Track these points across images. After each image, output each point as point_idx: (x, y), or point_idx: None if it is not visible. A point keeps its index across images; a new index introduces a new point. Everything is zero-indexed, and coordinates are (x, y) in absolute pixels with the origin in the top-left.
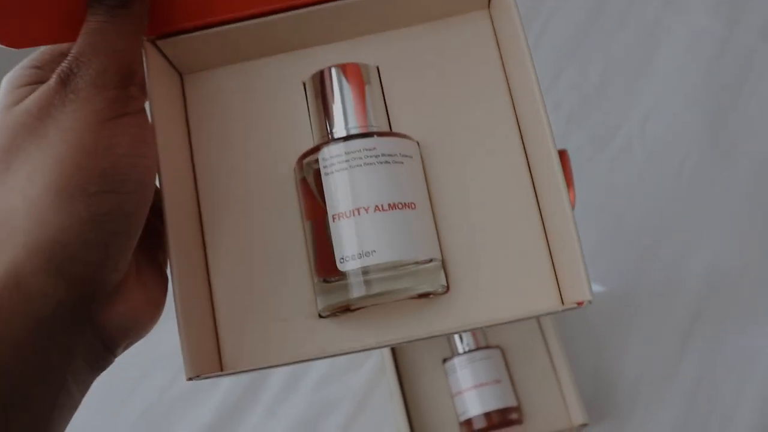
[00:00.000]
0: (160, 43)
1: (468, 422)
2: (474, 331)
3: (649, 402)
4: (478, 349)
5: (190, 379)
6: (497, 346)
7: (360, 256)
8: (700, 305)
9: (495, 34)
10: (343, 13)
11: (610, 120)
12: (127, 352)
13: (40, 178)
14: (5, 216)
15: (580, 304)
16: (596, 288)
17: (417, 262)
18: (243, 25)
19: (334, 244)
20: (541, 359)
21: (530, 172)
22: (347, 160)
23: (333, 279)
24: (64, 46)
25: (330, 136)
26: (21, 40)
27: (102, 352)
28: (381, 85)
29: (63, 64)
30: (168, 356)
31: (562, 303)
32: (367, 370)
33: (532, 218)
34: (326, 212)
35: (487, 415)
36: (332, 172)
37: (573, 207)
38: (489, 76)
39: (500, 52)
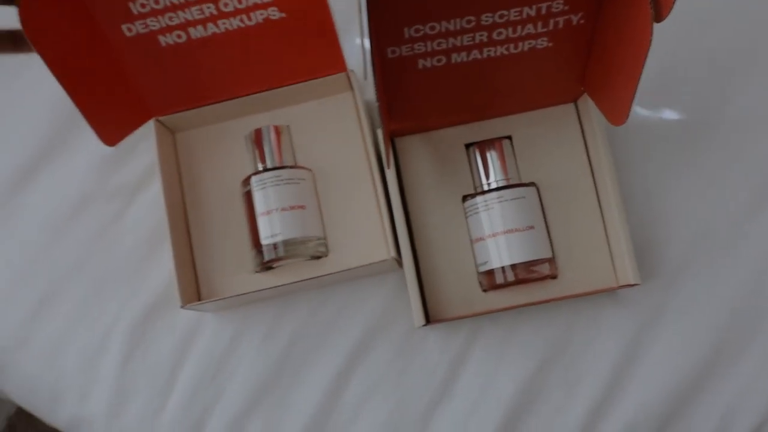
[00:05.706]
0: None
1: (489, 274)
2: (504, 162)
3: (710, 261)
4: (508, 186)
5: (182, 306)
6: (532, 183)
7: (271, 236)
8: None
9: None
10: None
11: None
12: None
13: None
14: None
15: None
16: (668, 114)
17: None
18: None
19: (259, 231)
20: (586, 201)
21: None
22: (262, 181)
23: (258, 250)
24: None
25: (257, 167)
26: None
27: None
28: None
29: None
30: None
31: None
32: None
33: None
34: (255, 213)
35: (514, 268)
36: (258, 189)
37: (664, 17)
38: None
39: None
